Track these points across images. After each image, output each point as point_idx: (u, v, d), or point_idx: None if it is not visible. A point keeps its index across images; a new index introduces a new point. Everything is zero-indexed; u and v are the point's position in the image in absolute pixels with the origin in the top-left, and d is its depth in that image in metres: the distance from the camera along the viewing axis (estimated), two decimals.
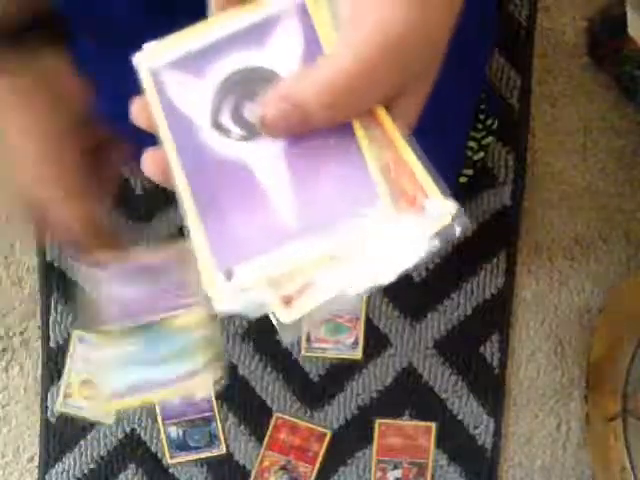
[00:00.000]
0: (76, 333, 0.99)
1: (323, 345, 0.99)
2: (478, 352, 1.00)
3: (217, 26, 0.34)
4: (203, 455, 0.99)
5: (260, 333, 0.99)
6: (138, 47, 0.36)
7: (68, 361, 0.98)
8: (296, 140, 0.32)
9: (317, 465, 0.99)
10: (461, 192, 1.00)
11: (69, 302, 0.99)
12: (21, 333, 0.99)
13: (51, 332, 0.99)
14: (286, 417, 0.99)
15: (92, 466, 0.98)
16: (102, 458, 0.98)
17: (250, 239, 0.32)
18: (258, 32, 0.34)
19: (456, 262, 1.01)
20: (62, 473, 0.98)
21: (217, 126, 0.34)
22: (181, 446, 0.98)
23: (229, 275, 0.32)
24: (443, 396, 1.00)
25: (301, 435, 0.99)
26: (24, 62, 0.43)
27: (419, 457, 0.99)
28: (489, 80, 1.02)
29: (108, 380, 0.39)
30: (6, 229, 1.01)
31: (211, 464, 0.99)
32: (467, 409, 1.00)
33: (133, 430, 0.99)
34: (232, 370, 0.99)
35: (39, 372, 0.99)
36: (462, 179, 0.99)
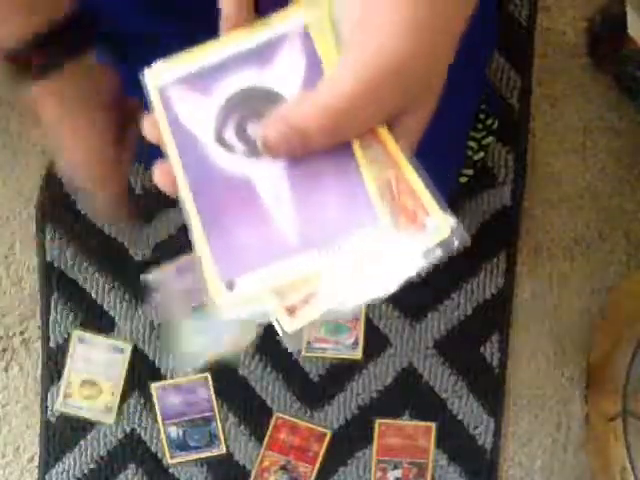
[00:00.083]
0: (76, 333, 0.99)
1: (323, 345, 0.99)
2: (478, 352, 1.00)
3: (223, 46, 0.36)
4: (203, 455, 0.99)
5: (260, 333, 0.99)
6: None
7: (68, 361, 0.98)
8: (297, 158, 0.33)
9: (317, 465, 0.99)
10: (461, 192, 1.00)
11: (69, 302, 0.99)
12: (21, 333, 0.99)
13: (51, 332, 0.99)
14: (286, 417, 0.99)
15: (92, 466, 0.98)
16: (102, 458, 0.98)
17: (252, 252, 0.33)
18: (263, 53, 0.35)
19: (456, 262, 1.00)
20: (62, 473, 0.98)
21: (221, 142, 0.35)
22: (181, 446, 0.98)
23: (231, 286, 0.33)
24: (443, 396, 1.00)
25: (301, 435, 0.99)
26: (72, 61, 0.45)
27: (419, 457, 0.99)
28: (489, 80, 1.02)
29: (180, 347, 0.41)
30: (6, 229, 1.01)
31: (211, 464, 0.99)
32: (467, 409, 1.00)
33: (133, 430, 0.99)
34: (232, 370, 0.99)
35: (39, 372, 0.99)
36: (462, 179, 1.00)
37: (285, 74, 0.35)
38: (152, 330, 0.99)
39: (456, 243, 0.32)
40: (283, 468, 0.99)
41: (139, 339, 0.99)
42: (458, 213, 1.01)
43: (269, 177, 0.34)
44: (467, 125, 0.86)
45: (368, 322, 1.00)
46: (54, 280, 0.99)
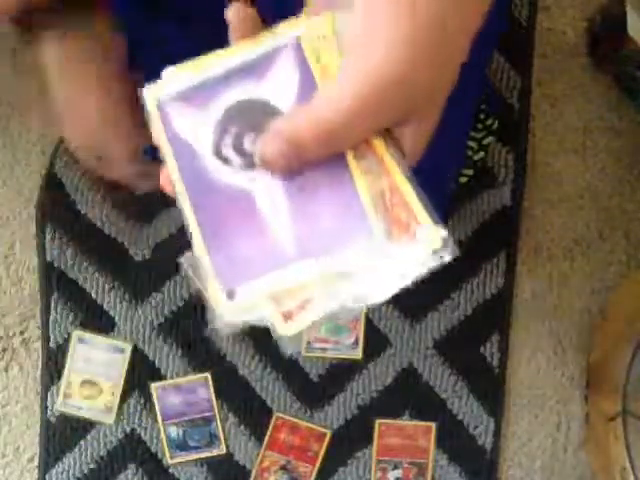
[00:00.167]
0: (76, 333, 0.99)
1: (323, 345, 0.99)
2: (478, 352, 1.00)
3: (221, 59, 0.36)
4: (203, 455, 0.99)
5: (260, 333, 0.99)
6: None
7: (68, 361, 0.98)
8: (294, 171, 0.34)
9: (317, 465, 0.99)
10: (461, 192, 1.00)
11: (69, 302, 0.99)
12: (21, 333, 0.99)
13: (51, 332, 0.99)
14: (286, 417, 0.99)
15: (92, 466, 0.98)
16: (102, 458, 0.98)
17: (251, 262, 0.34)
18: (259, 66, 0.36)
19: (456, 262, 1.00)
20: (62, 473, 0.98)
21: (219, 156, 0.36)
22: (181, 446, 0.98)
23: (232, 295, 0.34)
24: (443, 396, 1.00)
25: (301, 435, 0.99)
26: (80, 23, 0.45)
27: (419, 457, 0.99)
28: (489, 80, 1.02)
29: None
30: (6, 229, 1.01)
31: (211, 464, 0.99)
32: (467, 409, 1.00)
33: (133, 430, 0.99)
34: (232, 370, 0.99)
35: (39, 372, 0.99)
36: (462, 179, 1.00)
37: (280, 87, 0.35)
38: (152, 330, 0.99)
39: (447, 254, 0.33)
40: (283, 468, 0.99)
41: (139, 339, 0.99)
42: (459, 213, 1.01)
43: (266, 189, 0.35)
44: (467, 125, 0.86)
45: (368, 322, 1.00)
46: (54, 280, 0.99)
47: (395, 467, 0.99)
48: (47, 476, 0.98)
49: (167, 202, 1.08)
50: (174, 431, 0.98)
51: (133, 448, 0.99)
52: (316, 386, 1.00)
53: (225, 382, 0.99)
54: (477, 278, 1.01)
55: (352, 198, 0.34)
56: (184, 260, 0.36)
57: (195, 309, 0.99)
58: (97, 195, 1.00)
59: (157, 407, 0.98)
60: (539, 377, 1.01)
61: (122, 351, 0.99)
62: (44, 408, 0.98)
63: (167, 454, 0.98)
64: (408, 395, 1.00)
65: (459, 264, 0.99)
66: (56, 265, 0.99)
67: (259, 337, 0.99)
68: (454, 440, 0.99)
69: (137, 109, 0.48)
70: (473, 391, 1.00)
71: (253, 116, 0.35)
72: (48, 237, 1.00)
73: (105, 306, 0.99)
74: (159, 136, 0.37)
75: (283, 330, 0.33)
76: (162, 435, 0.98)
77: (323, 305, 0.33)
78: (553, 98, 1.04)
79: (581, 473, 1.00)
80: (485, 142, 0.98)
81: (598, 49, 1.02)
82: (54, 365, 0.99)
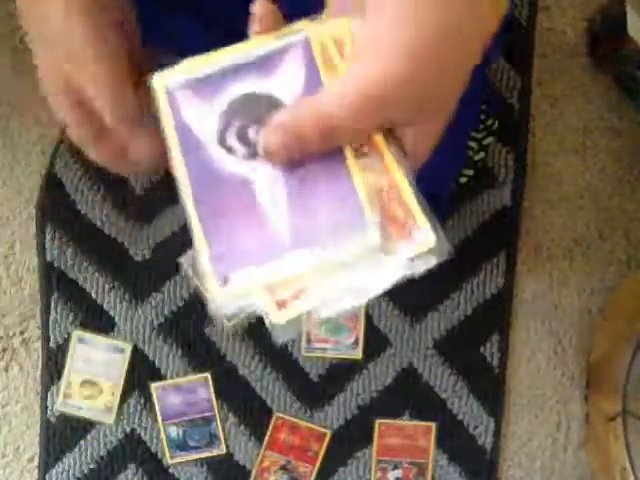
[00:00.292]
0: (76, 333, 0.99)
1: (323, 345, 0.99)
2: (478, 352, 1.00)
3: (231, 53, 0.38)
4: (203, 455, 0.99)
5: (260, 333, 0.99)
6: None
7: (68, 361, 0.98)
8: (294, 165, 0.35)
9: (317, 465, 0.99)
10: (461, 192, 1.00)
11: (69, 302, 0.99)
12: (21, 333, 0.99)
13: (51, 332, 0.99)
14: (286, 417, 0.99)
15: (92, 466, 0.98)
16: (102, 458, 0.98)
17: (247, 250, 0.35)
18: (268, 61, 0.37)
19: (456, 262, 1.00)
20: (62, 473, 0.98)
21: (223, 145, 0.37)
22: (181, 446, 0.98)
23: (225, 281, 0.34)
24: (443, 396, 1.00)
25: (301, 435, 0.99)
26: None
27: (419, 457, 0.99)
28: (489, 80, 1.02)
29: None
30: (6, 229, 1.01)
31: (211, 464, 0.99)
32: (467, 409, 1.00)
33: (133, 430, 0.99)
34: (232, 370, 0.99)
35: (39, 372, 0.99)
36: (462, 179, 1.00)
37: (286, 83, 0.37)
38: (152, 330, 0.99)
39: (441, 255, 0.34)
40: (283, 468, 0.99)
41: (139, 339, 0.99)
42: (459, 213, 1.01)
43: (267, 180, 0.36)
44: (469, 125, 0.86)
45: (368, 322, 1.00)
46: (54, 280, 0.99)
47: (395, 467, 0.99)
48: (47, 476, 0.98)
49: (167, 202, 1.08)
50: (174, 431, 0.98)
51: (133, 448, 0.99)
52: (316, 386, 1.00)
53: (225, 382, 0.99)
54: (477, 278, 1.01)
55: (349, 194, 0.35)
56: (184, 260, 0.37)
57: (195, 309, 0.99)
58: (97, 195, 1.00)
59: (157, 407, 0.98)
60: (539, 377, 1.01)
61: (122, 351, 0.99)
62: (44, 408, 0.98)
63: (167, 454, 0.98)
64: (408, 395, 1.00)
65: (459, 264, 1.00)
66: (56, 265, 0.99)
67: (259, 337, 0.99)
68: (454, 440, 0.99)
69: (137, 63, 0.44)
70: (473, 391, 1.00)
71: (258, 109, 0.36)
72: (48, 237, 1.00)
73: (105, 306, 0.99)
74: (165, 122, 0.37)
75: (276, 318, 0.33)
76: (162, 435, 0.98)
77: (317, 296, 0.34)
78: (553, 98, 1.04)
79: (581, 473, 1.00)
80: (485, 142, 0.98)
81: (598, 49, 1.02)
82: (54, 365, 0.99)
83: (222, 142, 0.36)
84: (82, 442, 0.98)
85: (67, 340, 0.99)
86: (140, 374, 0.99)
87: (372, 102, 0.33)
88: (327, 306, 0.34)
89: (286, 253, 0.34)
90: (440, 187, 0.92)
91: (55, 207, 1.00)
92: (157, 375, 0.99)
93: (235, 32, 0.39)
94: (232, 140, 0.36)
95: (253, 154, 0.36)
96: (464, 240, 1.01)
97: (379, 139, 0.35)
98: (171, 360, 0.99)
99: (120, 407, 0.98)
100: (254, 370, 0.99)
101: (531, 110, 1.03)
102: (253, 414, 0.99)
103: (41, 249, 1.00)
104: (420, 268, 0.34)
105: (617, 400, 0.88)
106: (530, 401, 1.01)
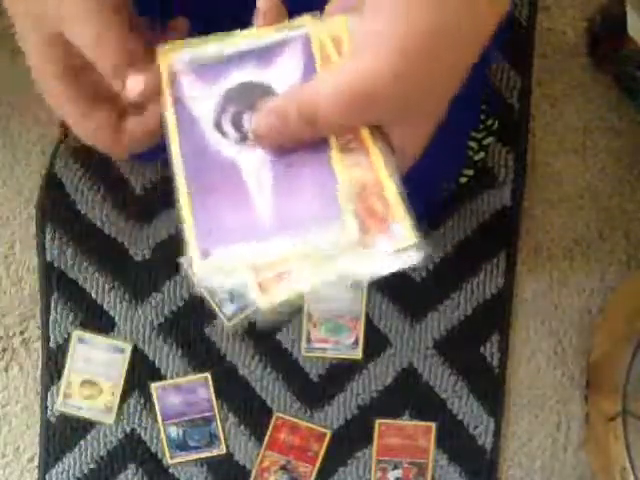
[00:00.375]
0: (76, 333, 0.99)
1: (323, 345, 0.99)
2: (478, 352, 1.00)
3: (236, 40, 0.39)
4: (203, 455, 0.99)
5: (260, 333, 0.99)
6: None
7: (68, 361, 0.98)
8: (282, 152, 0.37)
9: (317, 465, 0.99)
10: (461, 192, 1.00)
11: (69, 302, 0.99)
12: (21, 333, 0.99)
13: (51, 332, 0.99)
14: (286, 417, 0.99)
15: (92, 466, 0.98)
16: (102, 458, 0.98)
17: (231, 229, 0.37)
18: (268, 53, 0.39)
19: (456, 262, 1.01)
20: (62, 473, 0.98)
21: (218, 128, 0.38)
22: (181, 446, 0.98)
23: (206, 254, 0.36)
24: (443, 396, 1.00)
25: (301, 435, 0.99)
26: None
27: (419, 457, 0.99)
28: (489, 80, 1.02)
29: None
30: (6, 229, 1.01)
31: (211, 464, 0.99)
32: (467, 409, 1.00)
33: (133, 430, 0.99)
34: (232, 370, 0.99)
35: (39, 372, 0.99)
36: (462, 179, 1.00)
37: (283, 74, 0.38)
38: (152, 330, 0.99)
39: (418, 254, 0.34)
40: (283, 468, 0.99)
41: (139, 339, 0.99)
42: (459, 213, 1.01)
43: (255, 165, 0.37)
44: (469, 125, 0.86)
45: (368, 322, 1.00)
46: (54, 280, 0.99)
47: (395, 467, 0.99)
48: (47, 476, 0.98)
49: (167, 202, 1.07)
50: (174, 431, 0.98)
51: (133, 448, 0.99)
52: (316, 386, 1.00)
53: (225, 382, 0.99)
54: (477, 278, 1.01)
55: (330, 187, 0.36)
56: (184, 260, 0.38)
57: (195, 309, 0.99)
58: (97, 195, 1.00)
59: (157, 407, 0.98)
60: (539, 377, 1.01)
61: (122, 351, 0.99)
62: (44, 408, 0.98)
63: (167, 454, 0.98)
64: (408, 395, 1.00)
65: (459, 264, 1.00)
66: (56, 265, 0.99)
67: (259, 337, 0.99)
68: (454, 440, 0.99)
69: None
70: (473, 391, 1.00)
71: (254, 97, 0.38)
72: (48, 237, 1.00)
73: (105, 306, 0.99)
74: (165, 99, 0.39)
75: (259, 301, 0.35)
76: (162, 435, 0.98)
77: (299, 282, 0.35)
78: (553, 98, 1.04)
79: (581, 473, 1.00)
80: (485, 142, 0.98)
81: (598, 49, 1.02)
82: (54, 365, 0.99)
83: (217, 126, 0.38)
84: (82, 442, 0.98)
85: (67, 340, 0.99)
86: (140, 374, 0.99)
87: (360, 97, 0.33)
88: (310, 294, 0.34)
89: (267, 235, 0.36)
90: (440, 187, 0.92)
91: (55, 207, 1.00)
92: (157, 375, 0.99)
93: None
94: (226, 124, 0.38)
95: (244, 140, 0.38)
96: (464, 240, 1.01)
97: (366, 134, 0.36)
98: (171, 360, 0.99)
99: (120, 407, 0.98)
100: (254, 370, 0.99)
101: (531, 110, 1.03)
102: (253, 414, 0.99)
103: (41, 249, 1.00)
104: (400, 265, 0.34)
105: (617, 400, 0.88)
106: (530, 401, 1.01)
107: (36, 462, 0.98)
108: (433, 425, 0.99)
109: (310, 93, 0.35)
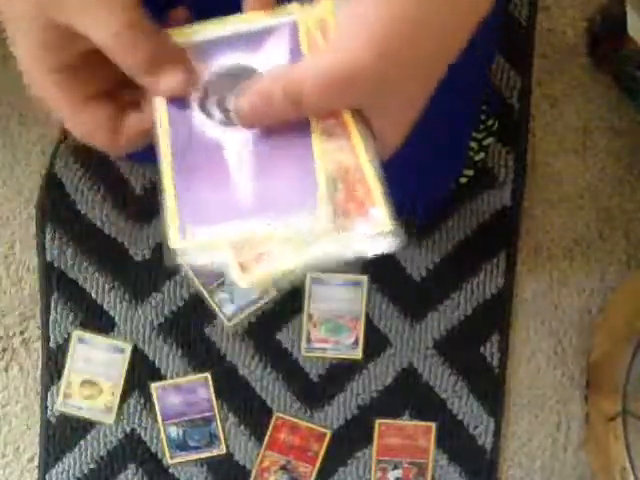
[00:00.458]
0: (76, 333, 0.99)
1: (323, 345, 0.99)
2: (478, 352, 1.00)
3: (225, 25, 0.40)
4: (203, 455, 0.99)
5: (260, 333, 0.99)
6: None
7: (68, 361, 0.98)
8: (265, 134, 0.38)
9: (317, 465, 0.99)
10: (461, 192, 1.00)
11: (69, 302, 0.99)
12: (21, 333, 0.99)
13: (51, 332, 0.99)
14: (286, 417, 0.99)
15: (92, 466, 0.98)
16: (102, 458, 0.98)
17: (212, 208, 0.37)
18: (256, 37, 0.40)
19: (456, 262, 1.01)
20: (62, 473, 0.98)
21: (204, 109, 0.39)
22: (181, 446, 0.98)
23: (184, 233, 0.37)
24: (443, 396, 1.00)
25: (301, 435, 0.99)
26: None
27: (419, 457, 0.99)
28: (489, 80, 1.02)
29: None
30: (6, 229, 1.01)
31: (211, 464, 0.99)
32: (467, 409, 1.00)
33: (133, 430, 0.99)
34: (232, 370, 0.99)
35: (39, 372, 0.99)
36: (462, 179, 1.00)
37: (269, 59, 0.39)
38: (152, 330, 0.99)
39: (395, 241, 0.35)
40: (283, 468, 0.99)
41: (139, 339, 0.99)
42: (459, 213, 1.01)
43: (237, 146, 0.38)
44: (469, 126, 0.86)
45: (368, 322, 1.00)
46: (54, 280, 0.99)
47: (395, 467, 0.99)
48: (47, 476, 0.98)
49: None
50: (174, 431, 0.98)
51: (133, 448, 0.99)
52: (316, 386, 1.00)
53: (225, 382, 0.99)
54: (477, 278, 1.01)
55: (309, 169, 0.37)
56: (164, 237, 0.38)
57: (195, 309, 0.99)
58: (97, 195, 1.00)
59: (157, 407, 0.98)
60: (539, 377, 1.01)
61: (122, 351, 0.99)
62: (44, 408, 0.98)
63: (167, 454, 0.98)
64: (408, 395, 1.00)
65: (459, 264, 1.00)
66: (56, 265, 0.99)
67: (259, 337, 0.99)
68: (454, 440, 0.99)
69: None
70: (473, 391, 1.00)
71: (239, 80, 0.39)
72: (48, 237, 1.00)
73: (105, 306, 0.99)
74: None
75: (239, 280, 0.35)
76: (162, 435, 0.98)
77: (280, 262, 0.35)
78: (553, 98, 1.04)
79: (581, 473, 1.00)
80: (485, 143, 0.98)
81: (598, 49, 1.02)
82: (54, 365, 0.98)
83: (202, 107, 0.39)
84: (82, 442, 0.98)
85: (67, 340, 0.99)
86: (140, 374, 0.99)
87: (340, 79, 0.34)
88: (290, 274, 0.35)
89: (248, 215, 0.36)
90: (441, 187, 0.92)
91: (55, 207, 1.00)
92: (157, 375, 0.99)
93: None
94: (212, 106, 0.39)
95: (229, 122, 0.39)
96: (464, 240, 1.01)
97: (349, 119, 0.36)
98: (171, 360, 0.99)
99: (120, 407, 0.98)
100: (254, 370, 0.99)
101: (531, 110, 1.03)
102: (253, 414, 0.99)
103: (41, 249, 1.00)
104: (379, 249, 0.35)
105: (617, 400, 0.88)
106: (530, 401, 1.01)
107: (36, 462, 0.98)
108: (433, 425, 0.99)
109: (295, 74, 0.35)
